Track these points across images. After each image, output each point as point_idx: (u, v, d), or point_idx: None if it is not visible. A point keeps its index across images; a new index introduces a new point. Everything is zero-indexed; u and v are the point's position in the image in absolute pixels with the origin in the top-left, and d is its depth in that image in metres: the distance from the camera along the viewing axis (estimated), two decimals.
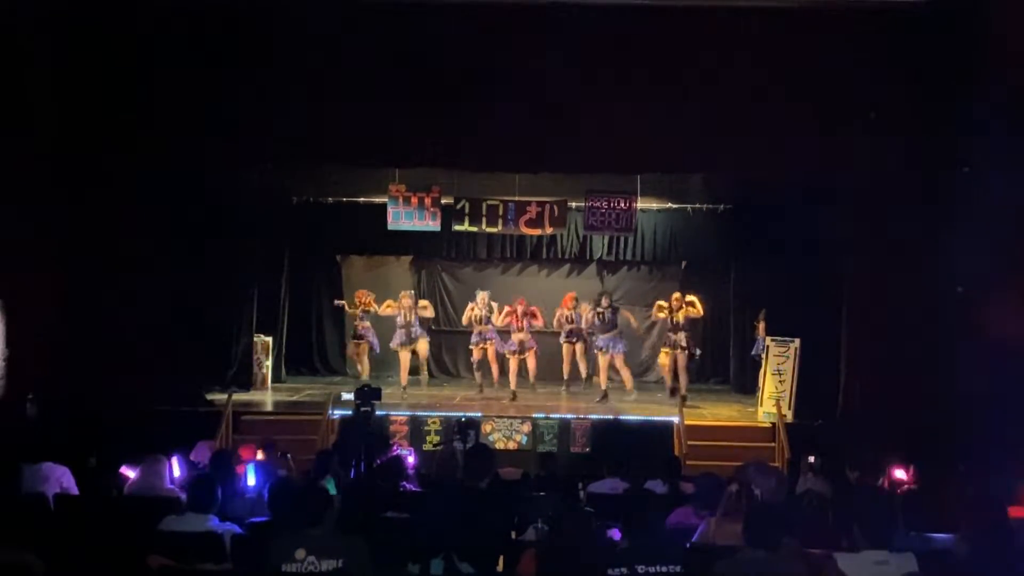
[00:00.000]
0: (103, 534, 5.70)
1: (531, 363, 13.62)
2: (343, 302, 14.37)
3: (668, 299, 13.35)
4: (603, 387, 13.25)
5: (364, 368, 14.08)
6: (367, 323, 13.98)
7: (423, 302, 13.98)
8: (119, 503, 6.74)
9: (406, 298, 13.61)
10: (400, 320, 13.50)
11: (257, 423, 11.43)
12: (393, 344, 13.58)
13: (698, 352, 13.45)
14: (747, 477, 6.35)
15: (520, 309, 13.54)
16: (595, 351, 13.45)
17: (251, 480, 7.35)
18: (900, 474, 7.92)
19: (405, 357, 13.50)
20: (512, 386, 13.34)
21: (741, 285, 14.36)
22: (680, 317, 13.12)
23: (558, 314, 13.68)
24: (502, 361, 13.78)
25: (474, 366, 13.91)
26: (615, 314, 13.33)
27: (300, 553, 4.63)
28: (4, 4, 9.68)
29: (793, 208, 12.30)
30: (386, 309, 13.69)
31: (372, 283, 14.66)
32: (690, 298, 13.24)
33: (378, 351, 14.15)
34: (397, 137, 11.14)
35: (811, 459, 8.40)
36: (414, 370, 14.05)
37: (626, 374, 13.38)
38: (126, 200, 11.10)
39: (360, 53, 10.77)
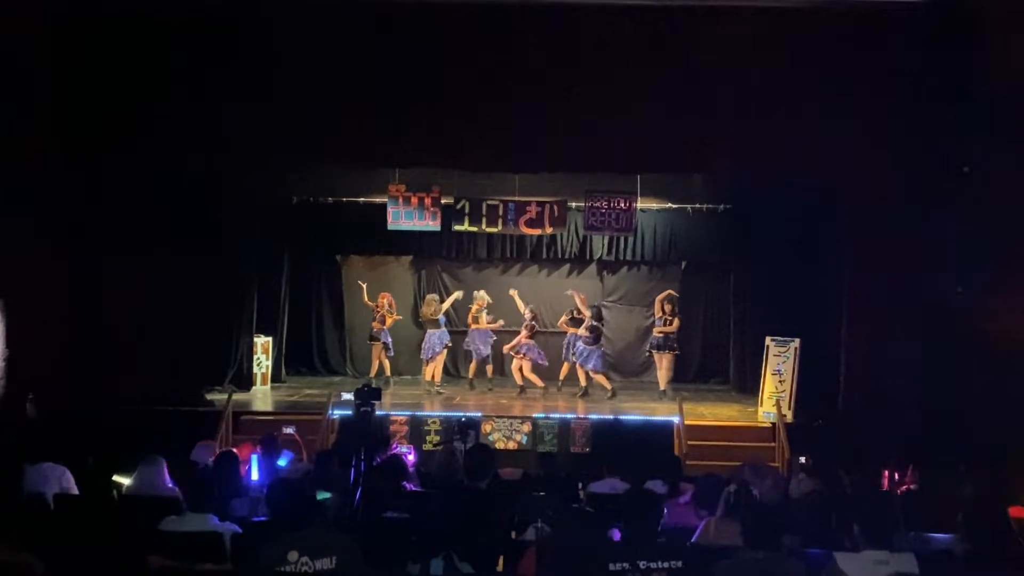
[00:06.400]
0: (103, 534, 5.70)
1: (527, 366, 13.74)
2: (365, 293, 14.33)
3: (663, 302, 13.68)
4: (608, 387, 13.37)
5: (374, 369, 14.11)
6: (382, 325, 13.98)
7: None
8: (119, 503, 6.74)
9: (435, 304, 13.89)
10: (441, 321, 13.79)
11: (257, 423, 11.42)
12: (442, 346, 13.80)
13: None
14: (744, 477, 6.36)
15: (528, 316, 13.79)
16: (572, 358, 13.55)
17: (255, 475, 7.39)
18: (896, 477, 7.92)
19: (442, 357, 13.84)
20: (519, 382, 13.65)
21: (741, 285, 14.37)
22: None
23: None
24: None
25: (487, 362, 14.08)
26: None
27: (292, 555, 4.62)
28: (5, 2, 9.68)
29: (793, 208, 12.31)
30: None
31: (372, 283, 14.66)
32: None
33: (392, 353, 14.19)
34: (397, 137, 11.14)
35: (802, 460, 8.42)
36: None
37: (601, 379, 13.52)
38: (126, 200, 11.10)
39: (361, 53, 10.78)
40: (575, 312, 13.63)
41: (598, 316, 13.49)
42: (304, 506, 5.07)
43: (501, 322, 13.93)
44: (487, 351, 13.83)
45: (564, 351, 13.75)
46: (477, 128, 10.99)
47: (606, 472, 7.57)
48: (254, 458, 7.78)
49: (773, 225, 12.89)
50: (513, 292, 14.09)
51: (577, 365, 13.48)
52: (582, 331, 13.33)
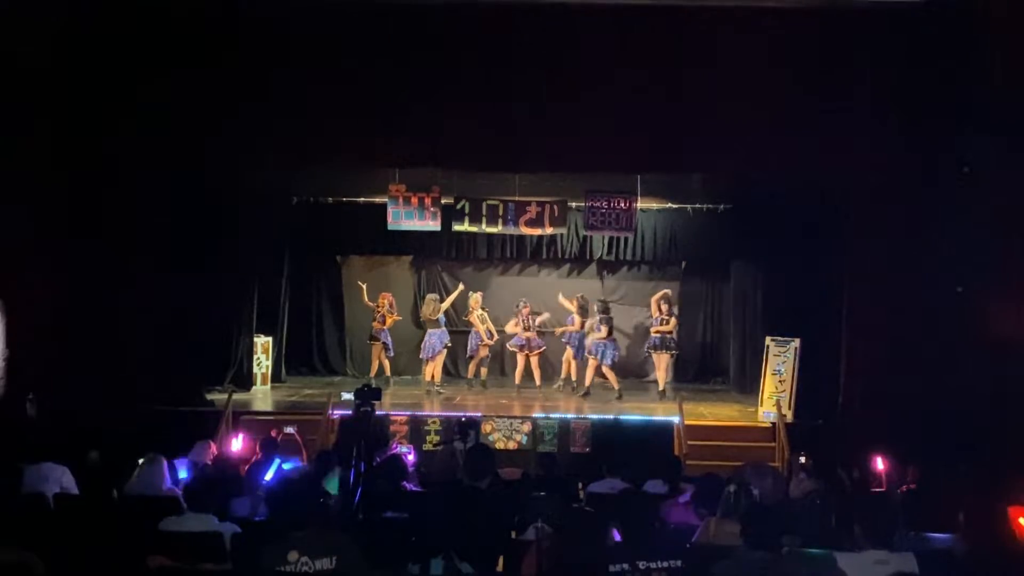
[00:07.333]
0: (103, 534, 5.70)
1: (535, 363, 13.81)
2: (364, 294, 14.35)
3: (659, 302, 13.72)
4: (616, 386, 13.42)
5: (374, 369, 14.15)
6: (382, 325, 14.01)
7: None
8: (119, 503, 6.74)
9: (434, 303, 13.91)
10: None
11: (257, 423, 11.42)
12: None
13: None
14: (745, 478, 6.36)
15: (526, 312, 13.86)
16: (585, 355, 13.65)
17: (268, 475, 7.43)
18: (881, 467, 7.98)
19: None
20: (517, 381, 13.80)
21: (741, 285, 14.37)
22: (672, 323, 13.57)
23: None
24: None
25: (484, 362, 14.15)
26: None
27: (293, 555, 4.62)
28: (5, 4, 9.68)
29: (793, 208, 12.31)
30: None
31: (372, 283, 14.66)
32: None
33: (392, 353, 14.20)
34: (397, 137, 11.13)
35: (802, 459, 8.43)
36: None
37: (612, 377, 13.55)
38: (126, 200, 11.10)
39: (360, 53, 10.77)
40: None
41: (604, 310, 13.52)
42: (304, 506, 5.06)
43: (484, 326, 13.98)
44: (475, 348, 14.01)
45: (575, 351, 13.81)
46: (477, 128, 10.98)
47: (606, 472, 7.58)
48: (276, 462, 7.81)
49: (773, 225, 12.89)
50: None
51: (584, 363, 13.50)
52: (594, 329, 13.38)
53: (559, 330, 13.99)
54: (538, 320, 13.99)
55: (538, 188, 13.17)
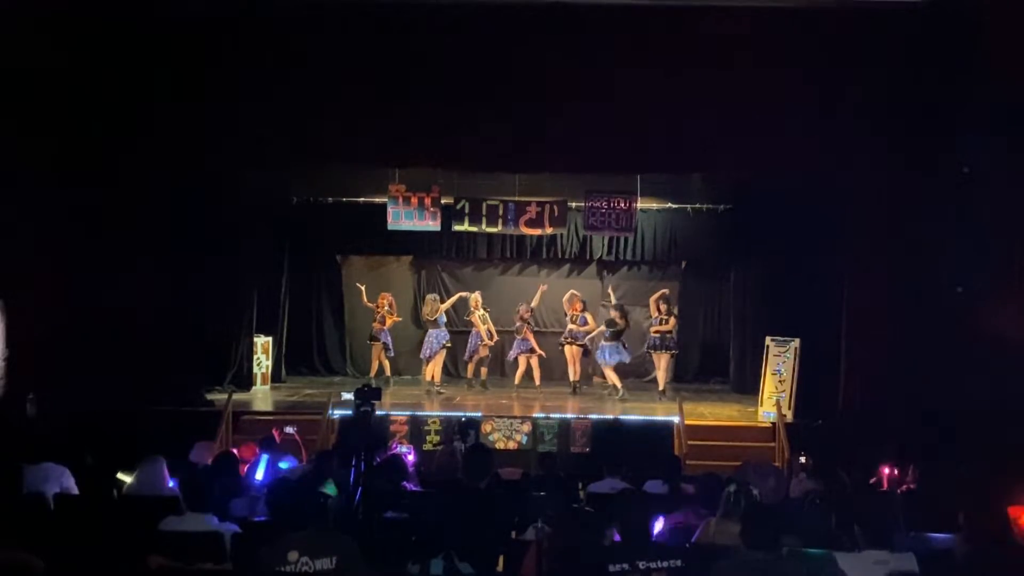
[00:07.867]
0: (103, 534, 5.69)
1: (536, 363, 13.85)
2: (364, 295, 14.34)
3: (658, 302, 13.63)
4: (619, 387, 13.38)
5: (374, 369, 14.16)
6: (382, 325, 14.00)
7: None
8: (119, 503, 6.74)
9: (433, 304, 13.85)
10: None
11: (257, 423, 11.42)
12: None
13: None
14: (746, 477, 6.36)
15: (528, 315, 13.87)
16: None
17: (259, 474, 7.40)
18: (887, 471, 8.00)
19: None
20: (516, 382, 13.83)
21: (741, 285, 14.37)
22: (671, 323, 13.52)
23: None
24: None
25: (484, 362, 14.13)
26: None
27: (293, 555, 4.63)
28: (7, 4, 9.68)
29: (793, 208, 12.32)
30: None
31: (372, 283, 14.67)
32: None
33: (392, 353, 14.20)
34: (397, 137, 11.14)
35: (802, 459, 8.43)
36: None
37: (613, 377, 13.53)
38: (126, 200, 11.10)
39: (360, 53, 10.77)
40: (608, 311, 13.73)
41: (623, 312, 13.50)
42: (304, 506, 5.06)
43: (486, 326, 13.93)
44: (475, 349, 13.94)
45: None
46: (477, 128, 10.98)
47: (606, 472, 7.58)
48: (262, 460, 7.80)
49: (773, 225, 12.90)
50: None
51: (603, 365, 13.55)
52: (600, 327, 13.42)
53: (590, 335, 13.73)
54: (533, 302, 13.95)
55: (538, 188, 13.17)
